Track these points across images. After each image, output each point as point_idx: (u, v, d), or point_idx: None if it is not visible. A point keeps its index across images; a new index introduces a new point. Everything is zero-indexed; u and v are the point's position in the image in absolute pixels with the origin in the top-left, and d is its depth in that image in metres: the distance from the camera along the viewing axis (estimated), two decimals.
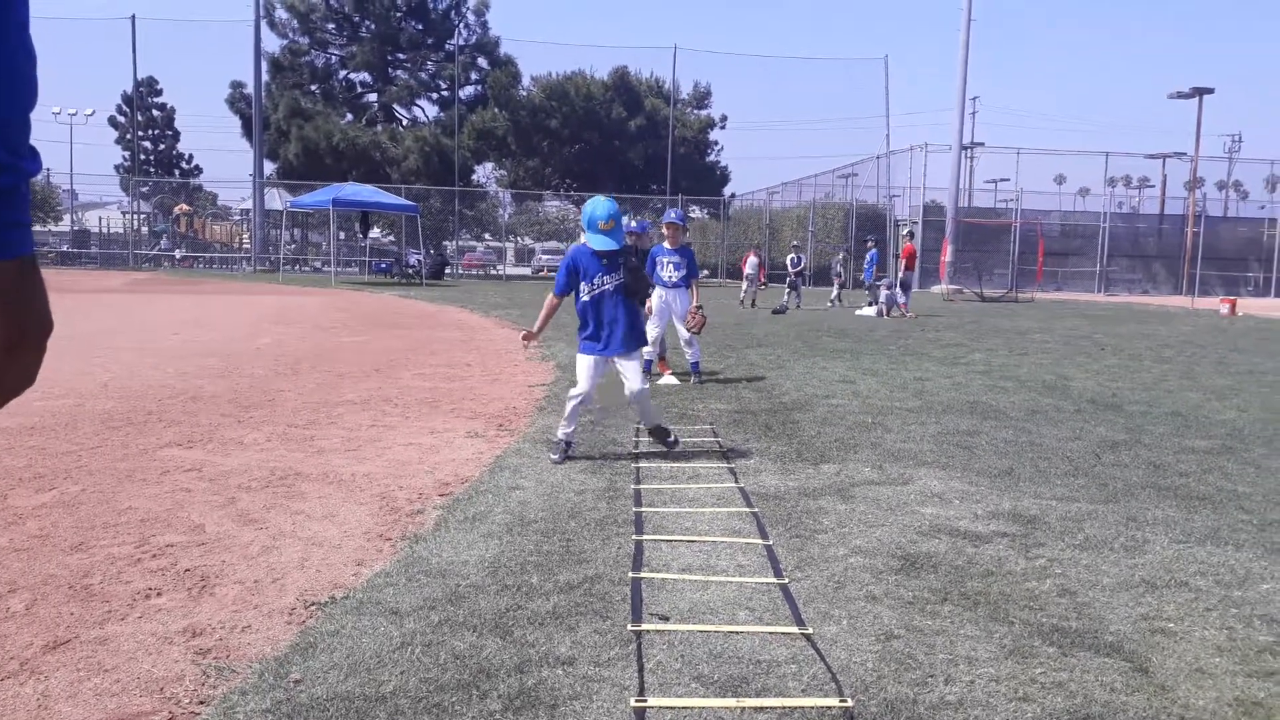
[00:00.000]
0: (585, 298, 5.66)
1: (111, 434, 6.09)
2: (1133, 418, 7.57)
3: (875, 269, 22.03)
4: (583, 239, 5.77)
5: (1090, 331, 17.33)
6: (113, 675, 2.72)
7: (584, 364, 5.70)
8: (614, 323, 5.65)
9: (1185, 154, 45.39)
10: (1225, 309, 25.42)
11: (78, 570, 3.58)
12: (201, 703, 2.58)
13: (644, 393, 5.76)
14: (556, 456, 5.56)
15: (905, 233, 23.87)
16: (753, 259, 25.59)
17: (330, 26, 50.70)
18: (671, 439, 5.82)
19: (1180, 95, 44.08)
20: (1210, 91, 43.08)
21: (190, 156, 60.81)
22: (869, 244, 23.86)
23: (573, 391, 5.67)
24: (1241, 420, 7.60)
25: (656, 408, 5.99)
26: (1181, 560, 3.97)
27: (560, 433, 5.66)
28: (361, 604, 3.29)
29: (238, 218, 52.04)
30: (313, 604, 3.30)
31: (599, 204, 5.65)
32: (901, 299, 21.37)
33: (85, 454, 5.50)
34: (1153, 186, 51.61)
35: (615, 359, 5.70)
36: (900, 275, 21.85)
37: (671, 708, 2.59)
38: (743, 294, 24.70)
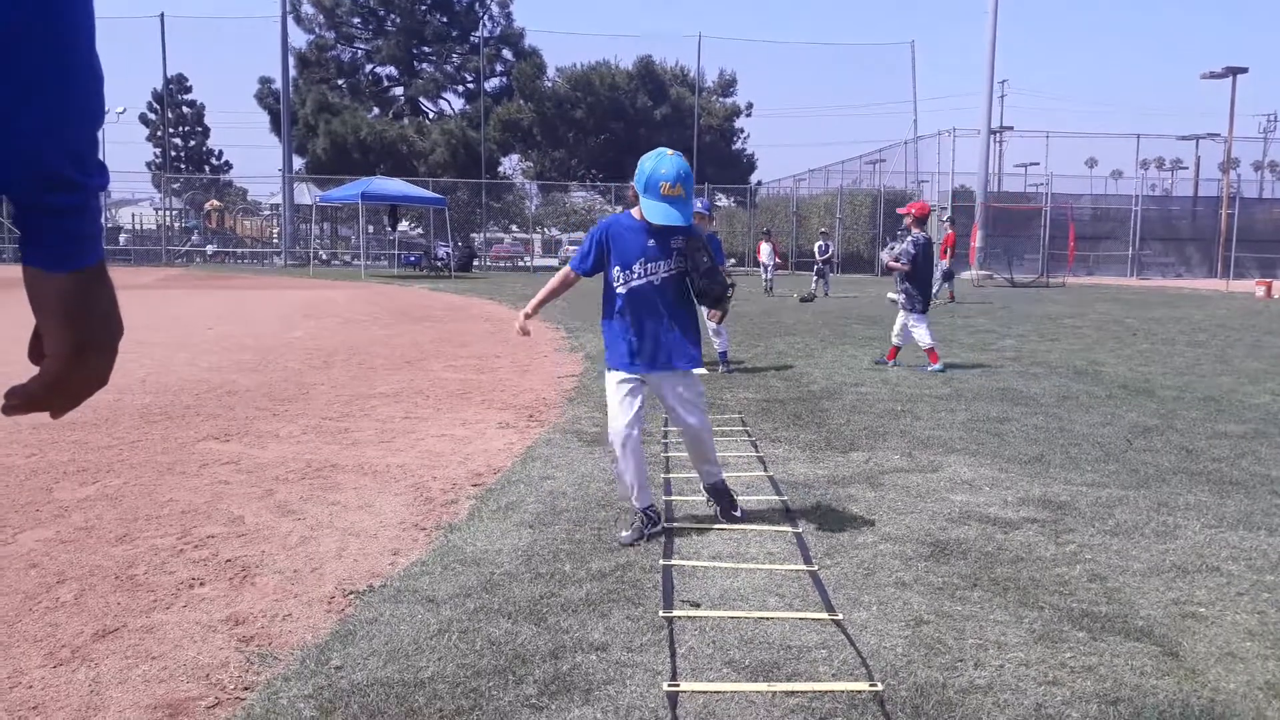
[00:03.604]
0: (621, 289, 3.98)
1: (150, 428, 6.21)
2: (1165, 403, 7.52)
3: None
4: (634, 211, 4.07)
5: (1122, 316, 17.17)
6: (160, 662, 2.81)
7: (614, 388, 4.03)
8: (661, 328, 3.99)
9: (1219, 135, 44.73)
10: (1261, 291, 25.08)
11: (123, 561, 3.67)
12: (246, 688, 2.65)
13: (703, 430, 4.16)
14: (628, 535, 3.92)
15: (946, 219, 23.73)
16: (766, 246, 25.61)
17: (356, 21, 50.94)
18: (738, 512, 4.24)
19: (1213, 75, 43.42)
20: (1244, 71, 42.40)
21: (220, 152, 61.47)
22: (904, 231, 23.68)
23: (610, 434, 4.05)
24: (1276, 404, 7.53)
25: (718, 459, 4.36)
26: (1213, 545, 3.96)
27: (633, 500, 4.00)
28: (399, 592, 3.36)
29: (268, 213, 52.46)
30: (351, 592, 3.37)
31: (664, 159, 3.93)
32: (948, 288, 21.30)
33: (126, 448, 5.62)
34: (1186, 168, 50.92)
35: (659, 378, 4.04)
36: (942, 263, 21.76)
37: (704, 692, 2.63)
38: (765, 282, 24.73)
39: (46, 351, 1.07)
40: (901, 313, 9.53)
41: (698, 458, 4.27)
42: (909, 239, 9.60)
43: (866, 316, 16.61)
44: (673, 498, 4.62)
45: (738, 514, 4.23)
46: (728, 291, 4.17)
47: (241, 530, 4.10)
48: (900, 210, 10.44)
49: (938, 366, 9.25)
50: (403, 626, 3.06)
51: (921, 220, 9.76)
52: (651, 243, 3.98)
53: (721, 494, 4.26)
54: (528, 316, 4.28)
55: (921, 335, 9.38)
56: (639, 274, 3.97)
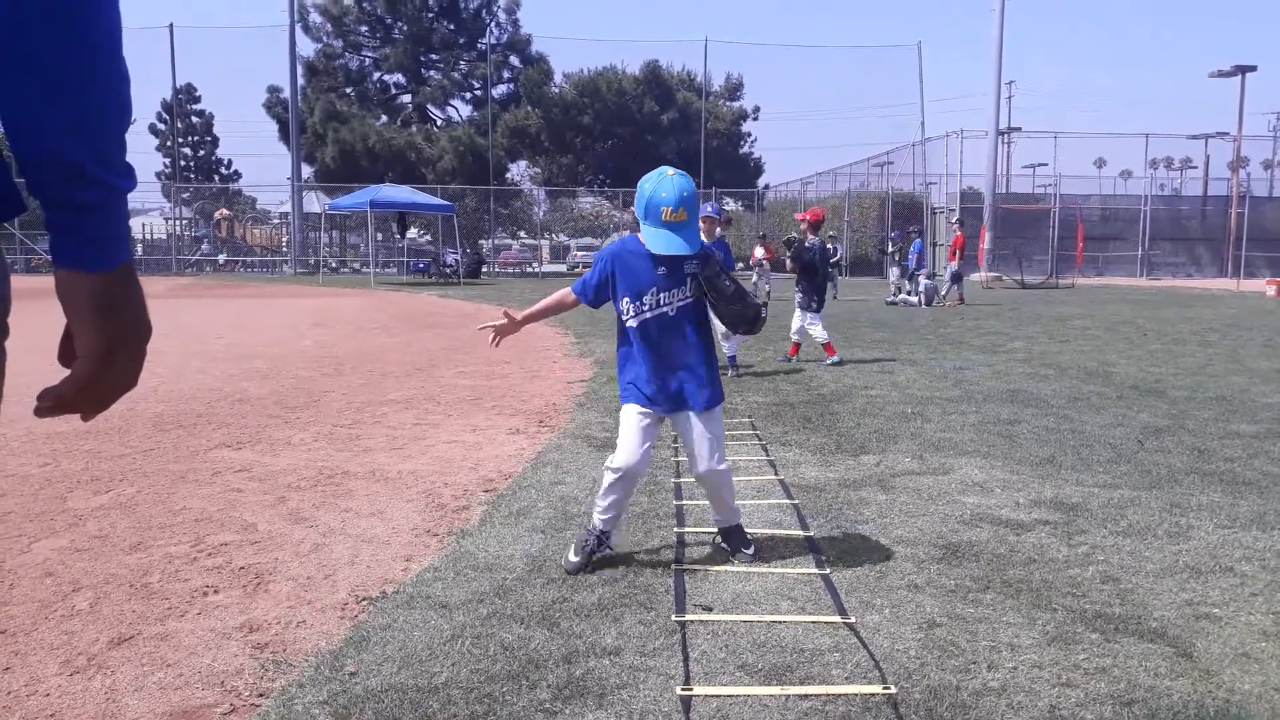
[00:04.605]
0: (632, 322, 3.64)
1: (163, 436, 6.24)
2: (1176, 403, 7.50)
3: (917, 258, 21.89)
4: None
5: (1132, 316, 17.12)
6: (175, 669, 2.82)
7: (630, 420, 3.66)
8: (677, 362, 3.64)
9: (1228, 134, 44.59)
10: (1272, 291, 25.00)
11: (137, 569, 3.69)
12: (261, 695, 2.66)
13: (720, 475, 3.71)
14: (577, 558, 3.65)
15: (955, 221, 23.79)
16: (760, 250, 25.58)
17: (363, 29, 51.20)
18: (750, 549, 3.81)
19: (1222, 74, 43.35)
20: (1253, 69, 42.37)
21: (229, 162, 61.63)
22: (913, 233, 23.74)
23: (611, 461, 3.69)
24: None
25: (737, 505, 3.91)
26: (1227, 546, 3.95)
27: (596, 518, 3.72)
28: (412, 598, 3.37)
29: (277, 221, 52.66)
30: (364, 599, 3.38)
31: (665, 182, 3.55)
32: (958, 290, 21.32)
33: (139, 456, 5.65)
34: (1195, 168, 50.72)
35: (680, 418, 3.70)
36: (951, 265, 21.82)
37: (717, 696, 2.64)
38: (765, 287, 24.69)
39: (78, 353, 1.09)
40: (799, 311, 10.25)
41: (715, 504, 3.84)
42: (804, 243, 10.47)
43: (875, 319, 16.59)
44: (684, 502, 4.62)
45: (749, 552, 3.80)
46: (761, 314, 3.85)
47: (255, 538, 4.11)
48: (797, 216, 11.68)
49: (834, 359, 10.00)
50: (416, 632, 3.07)
51: (815, 225, 10.66)
52: (662, 270, 3.60)
53: (737, 536, 3.85)
54: (513, 320, 3.85)
55: (818, 332, 10.12)
56: (650, 306, 3.61)
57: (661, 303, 3.61)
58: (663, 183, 3.54)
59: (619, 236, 3.39)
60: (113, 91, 1.01)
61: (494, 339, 3.90)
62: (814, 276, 10.31)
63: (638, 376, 3.68)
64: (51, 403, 1.10)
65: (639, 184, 3.64)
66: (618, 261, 3.69)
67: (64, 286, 1.06)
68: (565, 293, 3.84)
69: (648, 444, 3.66)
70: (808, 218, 10.76)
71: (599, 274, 3.73)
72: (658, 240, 3.53)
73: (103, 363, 1.09)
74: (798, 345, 10.39)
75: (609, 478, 3.69)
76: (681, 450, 5.75)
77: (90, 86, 0.98)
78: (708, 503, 3.94)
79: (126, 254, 1.08)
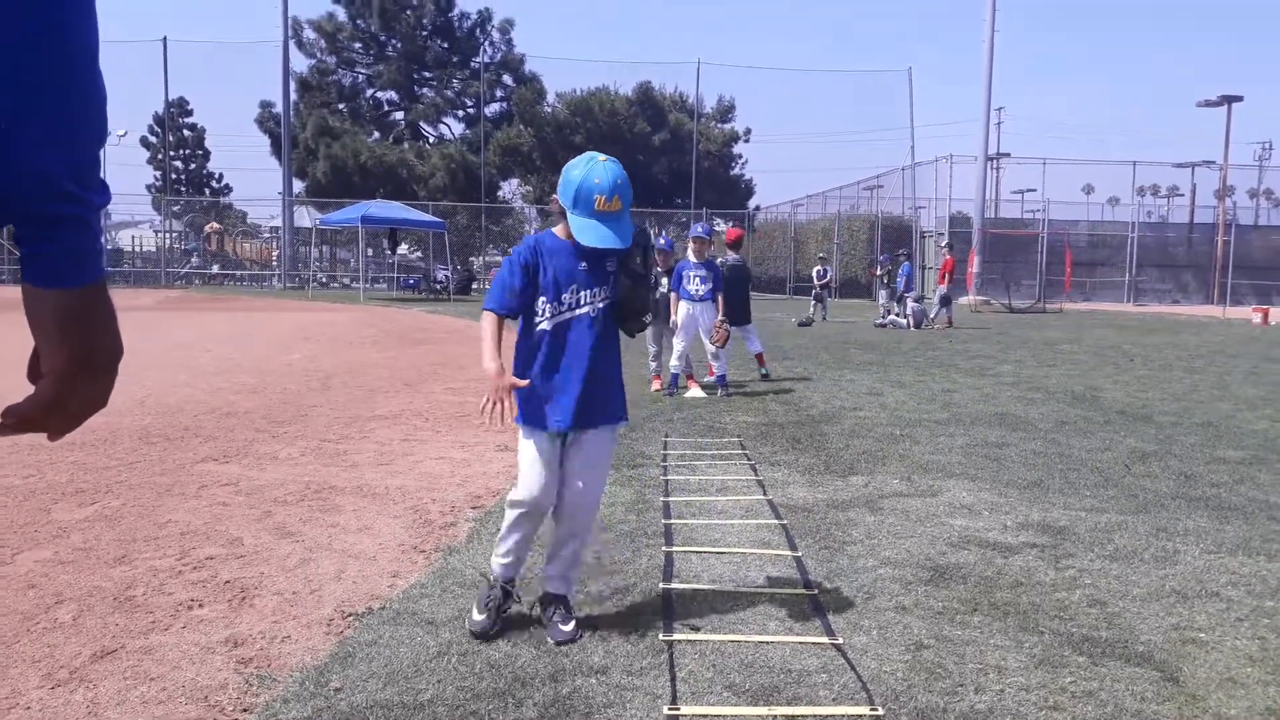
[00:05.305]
0: (546, 324, 3.19)
1: (149, 449, 6.20)
2: (1163, 428, 7.54)
3: (905, 280, 21.97)
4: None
5: (1120, 342, 17.21)
6: (158, 684, 2.80)
7: (530, 449, 3.23)
8: (593, 373, 3.19)
9: (1214, 162, 45.00)
10: (1258, 318, 25.18)
11: (121, 582, 3.67)
12: (245, 710, 2.64)
13: (594, 504, 3.35)
14: (482, 616, 3.19)
15: (944, 245, 23.95)
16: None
17: (357, 46, 51.28)
18: (571, 629, 3.17)
19: (1209, 103, 43.78)
20: (1239, 99, 42.78)
21: (220, 175, 61.62)
22: (901, 256, 23.86)
23: (513, 495, 3.27)
24: (1274, 430, 7.55)
25: (597, 561, 3.69)
26: (1213, 571, 3.96)
27: (495, 563, 3.33)
28: (398, 614, 3.35)
29: (267, 235, 52.55)
30: (350, 614, 3.37)
31: (596, 167, 3.15)
32: (946, 313, 21.40)
33: (124, 469, 5.61)
34: (1182, 195, 51.18)
35: (579, 434, 3.25)
36: (940, 288, 21.93)
37: (704, 716, 2.63)
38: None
39: (44, 370, 1.06)
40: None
41: (565, 535, 3.31)
42: (720, 260, 10.46)
43: (864, 341, 16.64)
44: (671, 521, 4.61)
45: (567, 630, 3.16)
46: (645, 321, 3.38)
47: (240, 552, 4.09)
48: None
49: (713, 379, 9.54)
50: (402, 649, 3.05)
51: (733, 244, 10.89)
52: (583, 266, 3.19)
53: (556, 603, 3.27)
54: (505, 374, 3.16)
55: (711, 353, 9.38)
56: (570, 305, 3.18)
57: (583, 301, 3.20)
58: (594, 168, 3.14)
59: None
60: (90, 108, 1.00)
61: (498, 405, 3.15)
62: (726, 293, 10.16)
63: (543, 389, 3.19)
64: (14, 420, 1.07)
65: (565, 169, 3.22)
66: (538, 254, 3.21)
67: (30, 302, 1.04)
68: (489, 318, 3.20)
69: (552, 474, 3.22)
70: (726, 238, 11.24)
71: (519, 271, 3.18)
72: (587, 231, 3.10)
73: (66, 382, 1.05)
74: (761, 357, 10.69)
75: (510, 515, 3.27)
76: (671, 470, 5.76)
77: (69, 102, 0.97)
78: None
79: (97, 272, 1.05)
